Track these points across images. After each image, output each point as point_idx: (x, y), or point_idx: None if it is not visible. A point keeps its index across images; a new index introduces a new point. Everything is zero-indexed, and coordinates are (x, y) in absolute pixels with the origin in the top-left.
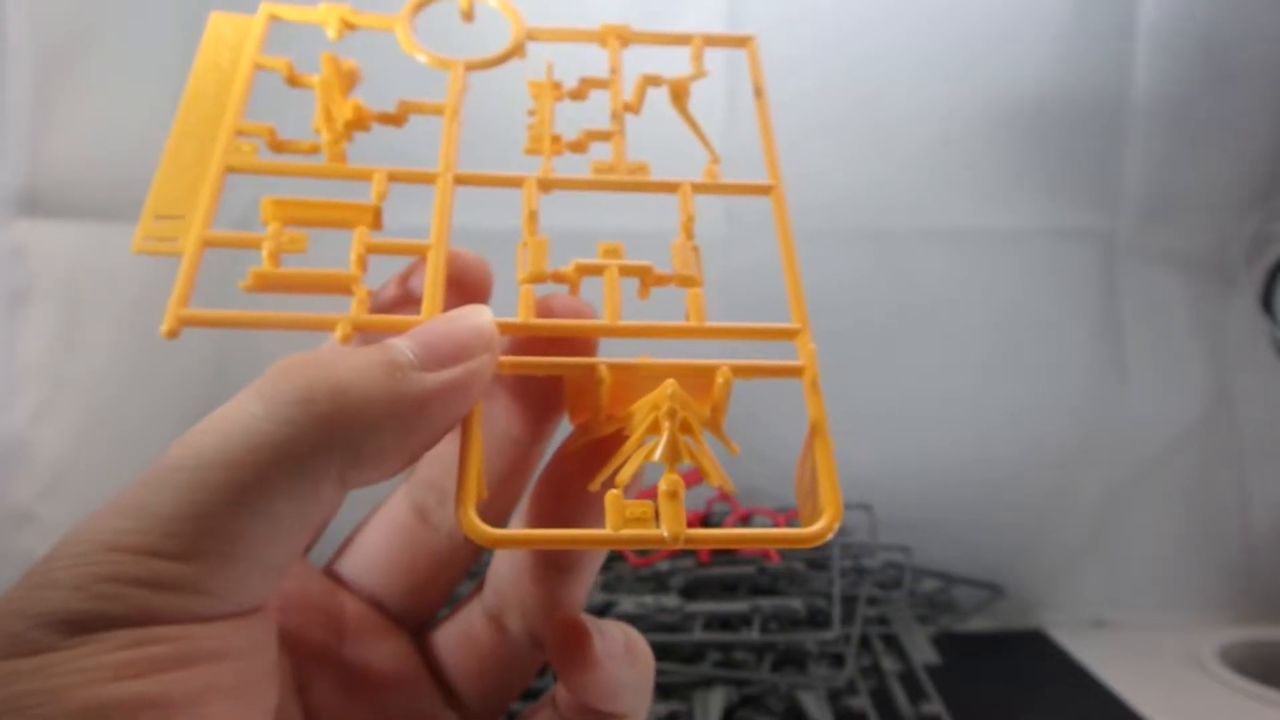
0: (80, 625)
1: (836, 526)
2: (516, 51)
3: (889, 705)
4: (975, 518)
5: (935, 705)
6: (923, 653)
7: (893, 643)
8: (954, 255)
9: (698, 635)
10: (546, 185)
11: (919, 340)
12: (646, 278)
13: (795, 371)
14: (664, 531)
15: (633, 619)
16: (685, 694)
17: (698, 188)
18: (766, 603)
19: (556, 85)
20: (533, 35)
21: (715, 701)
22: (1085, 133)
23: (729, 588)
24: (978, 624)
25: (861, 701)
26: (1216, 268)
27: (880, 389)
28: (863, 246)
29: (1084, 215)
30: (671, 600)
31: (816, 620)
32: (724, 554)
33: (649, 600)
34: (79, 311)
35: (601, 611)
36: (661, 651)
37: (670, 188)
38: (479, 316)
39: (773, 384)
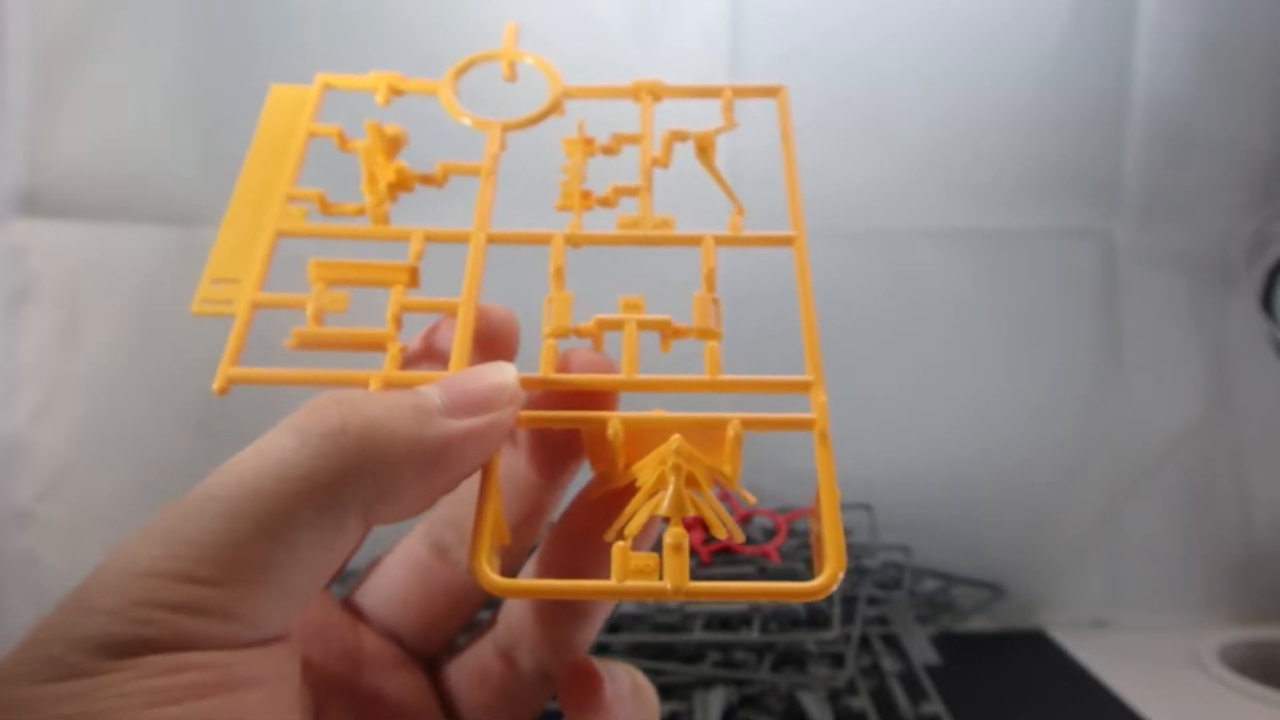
0: (119, 649)
1: (838, 581)
2: (554, 110)
3: (889, 705)
4: (975, 518)
5: (935, 705)
6: (923, 653)
7: (893, 643)
8: (954, 255)
9: (698, 635)
10: (574, 241)
11: (919, 340)
12: (666, 331)
13: (806, 424)
14: (666, 584)
15: (633, 619)
16: (685, 694)
17: (720, 240)
18: (766, 603)
19: (589, 141)
20: (569, 93)
21: (715, 701)
22: (1085, 133)
23: None
24: (978, 624)
25: (861, 701)
26: (1216, 268)
27: (880, 389)
28: (863, 246)
29: (1084, 215)
30: (672, 600)
31: (816, 620)
32: (724, 554)
33: (649, 600)
34: (79, 311)
35: None
36: (661, 651)
37: (694, 241)
38: (503, 374)
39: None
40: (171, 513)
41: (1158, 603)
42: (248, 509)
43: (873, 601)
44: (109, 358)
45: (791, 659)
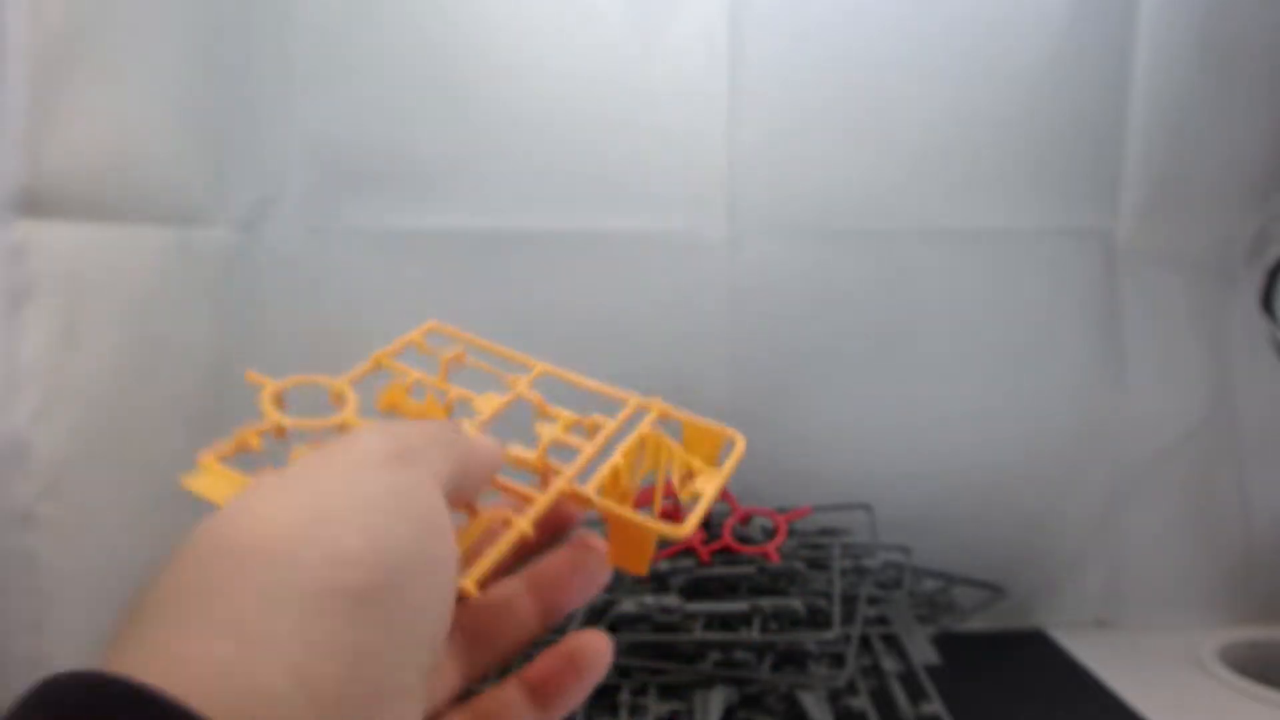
0: None
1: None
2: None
3: (889, 705)
4: (975, 518)
5: (935, 705)
6: (923, 653)
7: (893, 643)
8: (954, 255)
9: (698, 635)
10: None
11: (919, 340)
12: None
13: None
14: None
15: (633, 619)
16: (685, 694)
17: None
18: (766, 603)
19: (401, 389)
20: (342, 389)
21: (715, 701)
22: (1085, 133)
23: (729, 588)
24: (978, 624)
25: (861, 701)
26: (1216, 268)
27: (880, 389)
28: (863, 246)
29: (1084, 215)
30: (672, 600)
31: (816, 620)
32: (724, 553)
33: (649, 600)
34: (79, 311)
35: (602, 611)
36: (661, 651)
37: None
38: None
39: (771, 390)
40: None
41: (1158, 603)
42: None
43: (873, 601)
44: (109, 358)
45: (791, 659)
